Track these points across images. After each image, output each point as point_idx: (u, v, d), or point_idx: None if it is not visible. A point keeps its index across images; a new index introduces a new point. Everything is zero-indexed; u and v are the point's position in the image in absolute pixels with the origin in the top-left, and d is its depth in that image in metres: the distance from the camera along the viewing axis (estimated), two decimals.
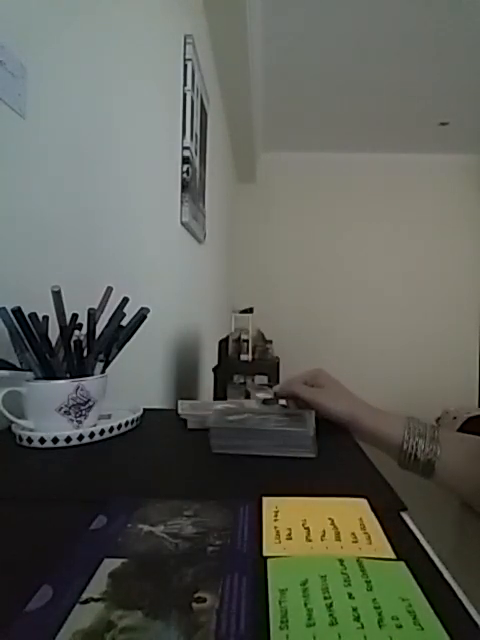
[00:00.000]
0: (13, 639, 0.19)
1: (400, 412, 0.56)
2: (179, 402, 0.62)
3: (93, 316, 0.52)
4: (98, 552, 0.25)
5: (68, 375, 0.50)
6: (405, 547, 0.27)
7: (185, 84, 1.49)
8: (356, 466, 0.42)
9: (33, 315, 0.48)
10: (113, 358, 0.56)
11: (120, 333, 0.56)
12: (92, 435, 0.48)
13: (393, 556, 0.26)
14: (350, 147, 3.65)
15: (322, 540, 0.27)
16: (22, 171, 0.58)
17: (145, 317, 0.58)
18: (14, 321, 0.47)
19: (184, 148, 1.49)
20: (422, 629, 0.19)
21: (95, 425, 0.50)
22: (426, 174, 3.77)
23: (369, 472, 0.40)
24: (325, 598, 0.21)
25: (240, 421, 0.48)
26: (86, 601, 0.21)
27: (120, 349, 0.57)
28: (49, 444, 0.46)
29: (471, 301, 3.76)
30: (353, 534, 0.28)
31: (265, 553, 0.26)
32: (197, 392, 1.92)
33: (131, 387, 0.95)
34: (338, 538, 0.27)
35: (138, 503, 0.32)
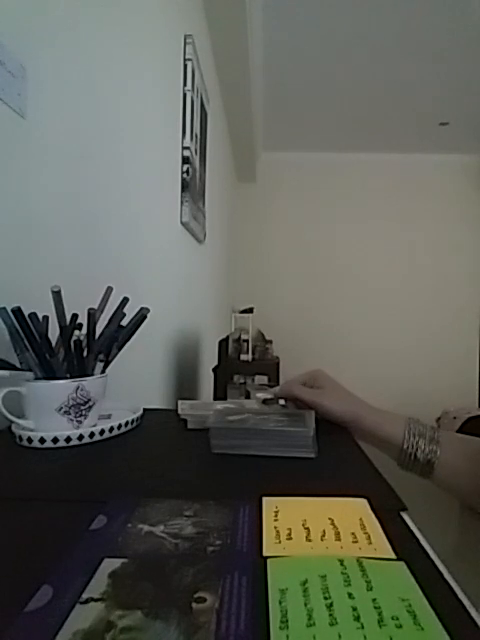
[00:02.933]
0: (13, 639, 0.19)
1: (400, 412, 0.56)
2: (179, 402, 0.62)
3: (93, 316, 0.52)
4: (98, 552, 0.25)
5: (68, 375, 0.50)
6: (405, 547, 0.27)
7: (185, 84, 1.49)
8: (356, 466, 0.42)
9: (33, 315, 0.48)
10: (113, 358, 0.56)
11: (120, 333, 0.56)
12: (92, 435, 0.48)
13: (393, 556, 0.26)
14: (350, 147, 3.65)
15: (322, 540, 0.27)
16: (22, 171, 0.58)
17: (145, 317, 0.58)
18: (14, 321, 0.47)
19: (184, 148, 1.49)
20: (422, 629, 0.19)
21: (95, 425, 0.50)
22: (426, 174, 3.77)
23: (369, 472, 0.40)
24: (325, 598, 0.21)
25: (240, 421, 0.48)
26: (86, 601, 0.21)
27: (120, 349, 0.57)
28: (49, 444, 0.46)
29: (471, 301, 3.75)
30: (353, 534, 0.28)
31: (265, 553, 0.26)
32: (197, 392, 1.92)
33: (131, 387, 0.95)
34: (338, 538, 0.27)
35: (138, 503, 0.32)
